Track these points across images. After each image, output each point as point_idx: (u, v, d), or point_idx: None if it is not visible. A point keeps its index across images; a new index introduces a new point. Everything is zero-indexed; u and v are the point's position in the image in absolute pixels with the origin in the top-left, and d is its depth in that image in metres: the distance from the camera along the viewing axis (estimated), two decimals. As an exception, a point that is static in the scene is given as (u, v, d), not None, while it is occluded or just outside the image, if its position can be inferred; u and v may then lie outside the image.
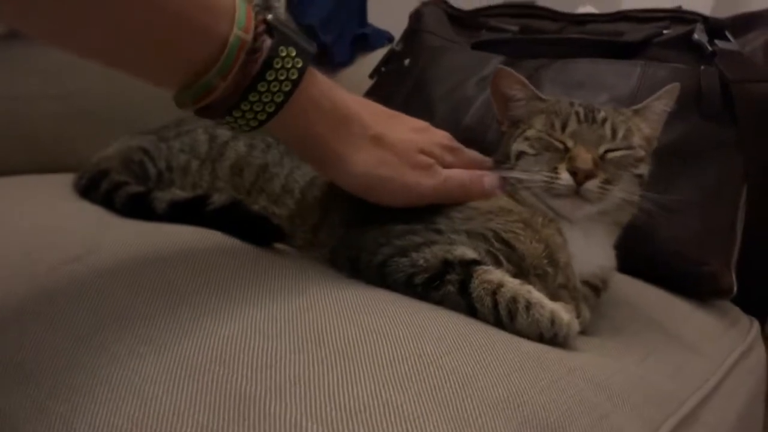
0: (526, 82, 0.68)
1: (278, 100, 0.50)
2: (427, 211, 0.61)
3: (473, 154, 0.68)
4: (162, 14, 0.44)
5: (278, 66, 0.49)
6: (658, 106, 0.67)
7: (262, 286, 0.52)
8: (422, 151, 0.60)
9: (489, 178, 0.64)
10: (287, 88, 0.50)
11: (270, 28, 0.49)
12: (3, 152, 0.93)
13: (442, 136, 0.65)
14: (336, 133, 0.55)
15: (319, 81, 0.54)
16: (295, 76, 0.50)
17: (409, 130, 0.61)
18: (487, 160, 0.68)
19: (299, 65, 0.50)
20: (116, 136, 0.85)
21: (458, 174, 0.62)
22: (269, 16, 0.50)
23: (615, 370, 0.54)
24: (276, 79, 0.49)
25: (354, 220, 0.63)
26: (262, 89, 0.49)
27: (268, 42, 0.49)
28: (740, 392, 0.69)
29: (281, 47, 0.49)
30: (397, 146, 0.58)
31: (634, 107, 0.67)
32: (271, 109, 0.50)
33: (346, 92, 0.58)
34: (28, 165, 0.93)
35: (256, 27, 0.48)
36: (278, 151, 0.75)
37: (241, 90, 0.48)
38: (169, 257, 0.56)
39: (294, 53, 0.49)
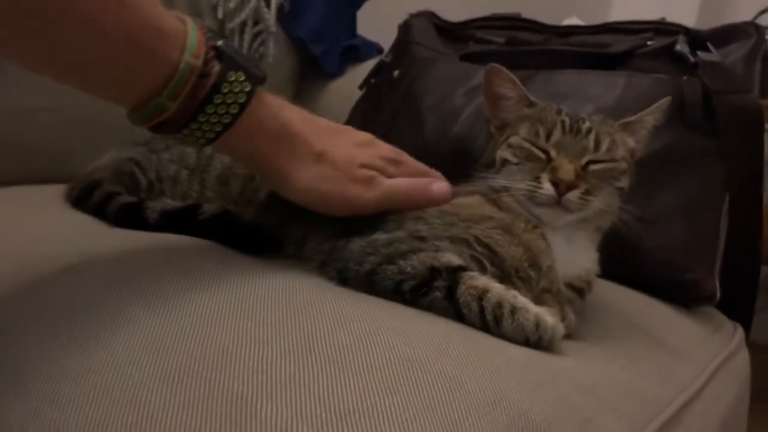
0: (518, 81, 0.69)
1: (225, 121, 0.53)
2: (410, 220, 0.63)
3: (419, 165, 0.70)
4: (116, 41, 0.47)
5: (226, 90, 0.52)
6: (649, 120, 0.68)
7: (254, 294, 0.53)
8: (364, 165, 0.63)
9: (437, 185, 0.67)
10: (234, 111, 0.53)
11: (219, 54, 0.52)
12: (-1, 163, 0.93)
13: (387, 150, 0.67)
14: (280, 152, 0.59)
15: (266, 103, 0.57)
16: (242, 100, 0.53)
17: (352, 145, 0.64)
18: (435, 172, 0.70)
19: (247, 89, 0.53)
20: (108, 148, 0.85)
21: (401, 183, 0.65)
22: (219, 42, 0.52)
23: (600, 374, 0.55)
24: (224, 102, 0.52)
25: (339, 233, 0.64)
26: (210, 111, 0.52)
27: (217, 67, 0.51)
28: (724, 396, 0.70)
29: (230, 72, 0.52)
30: (339, 162, 0.61)
31: (625, 120, 0.69)
32: (219, 129, 0.53)
33: (293, 110, 0.61)
34: (21, 176, 0.93)
35: (206, 53, 0.51)
36: None
37: (191, 111, 0.51)
38: (161, 266, 0.56)
39: (242, 78, 0.53)
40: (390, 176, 0.65)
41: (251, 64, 0.54)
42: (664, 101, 0.68)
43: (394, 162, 0.67)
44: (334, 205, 0.62)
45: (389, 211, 0.65)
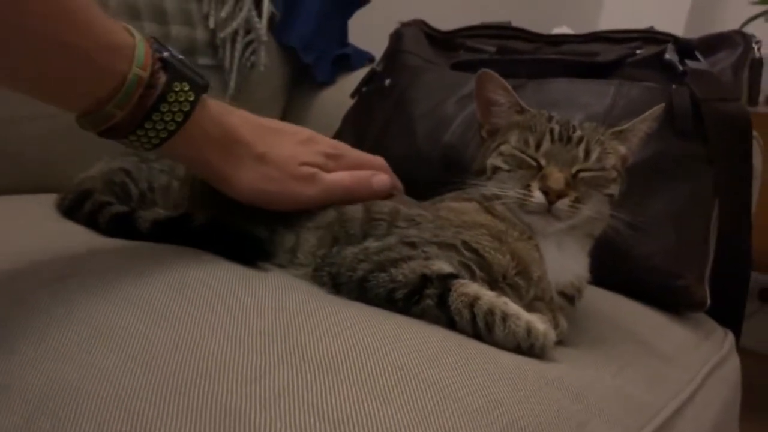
0: (509, 87, 0.69)
1: (171, 128, 0.57)
2: (402, 223, 0.63)
3: (360, 155, 0.73)
4: (66, 54, 0.50)
5: (171, 99, 0.55)
6: (641, 128, 0.69)
7: (246, 303, 0.53)
8: (305, 163, 0.66)
9: (378, 178, 0.70)
10: (179, 119, 0.57)
11: (166, 65, 0.55)
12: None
13: (326, 145, 0.70)
14: (223, 156, 0.62)
15: (209, 110, 0.60)
16: (186, 108, 0.57)
17: (293, 144, 0.67)
18: (378, 159, 0.74)
19: (191, 98, 0.57)
20: (96, 157, 0.85)
21: (342, 178, 0.69)
22: (165, 54, 0.56)
23: (592, 380, 0.55)
24: (169, 110, 0.56)
25: (331, 241, 0.65)
26: (156, 119, 0.55)
27: (163, 78, 0.55)
28: (715, 402, 0.71)
29: (175, 83, 0.55)
30: (279, 162, 0.65)
31: (618, 128, 0.69)
32: (164, 135, 0.57)
33: (236, 115, 0.64)
34: (12, 185, 0.93)
35: (153, 64, 0.54)
36: None
37: (138, 119, 0.55)
38: (154, 275, 0.56)
39: (187, 88, 0.56)
40: (330, 171, 0.68)
41: (196, 74, 0.58)
42: (657, 109, 0.69)
43: (334, 157, 0.70)
44: (278, 203, 0.66)
45: (374, 212, 0.66)
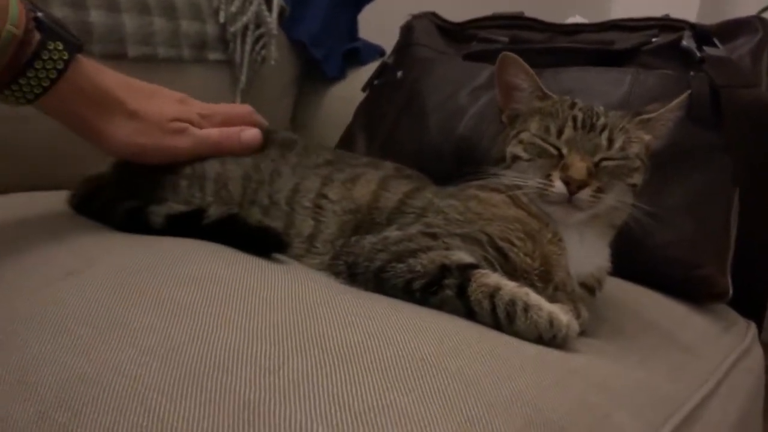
0: (531, 71, 0.67)
1: (45, 84, 0.60)
2: (431, 213, 0.62)
3: (229, 111, 0.77)
4: None
5: (45, 57, 0.59)
6: (669, 117, 0.67)
7: (262, 295, 0.52)
8: (176, 119, 0.70)
9: (247, 133, 0.74)
10: (53, 76, 0.60)
11: (40, 25, 0.59)
12: (-2, 170, 0.93)
13: (198, 107, 0.74)
14: (97, 113, 0.66)
15: (83, 69, 0.63)
16: (60, 66, 0.60)
17: (165, 103, 0.71)
18: (245, 109, 0.78)
19: (65, 57, 0.60)
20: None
21: (212, 132, 0.73)
22: (39, 14, 0.59)
23: (615, 371, 0.54)
24: (43, 68, 0.59)
25: (352, 229, 0.64)
26: (31, 75, 0.59)
27: (37, 36, 0.58)
28: (740, 393, 0.69)
29: (49, 42, 0.59)
30: (152, 117, 0.68)
31: (645, 116, 0.67)
32: (39, 91, 0.60)
33: (110, 75, 0.68)
34: (23, 183, 0.93)
35: (27, 23, 0.57)
36: (251, 158, 0.74)
37: (12, 74, 0.58)
38: (168, 269, 0.56)
39: (61, 47, 0.60)
40: (203, 128, 0.73)
41: (71, 35, 0.61)
42: (683, 97, 0.67)
43: (206, 117, 0.74)
44: (151, 155, 0.70)
45: (408, 205, 0.65)
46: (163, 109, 0.70)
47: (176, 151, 0.71)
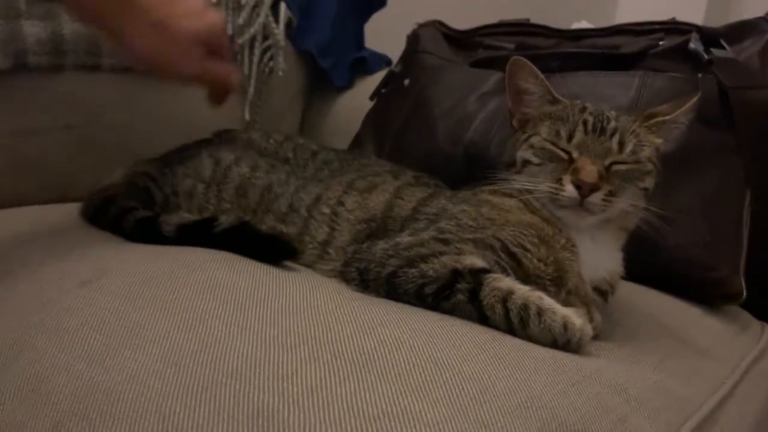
0: (541, 76, 0.67)
1: None
2: (444, 219, 0.62)
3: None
4: None
5: None
6: (683, 120, 0.66)
7: (275, 302, 0.52)
8: None
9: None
10: None
11: None
12: (12, 184, 0.93)
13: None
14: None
15: None
16: None
17: None
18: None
19: None
20: (117, 165, 0.85)
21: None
22: None
23: (631, 374, 0.54)
24: None
25: (365, 237, 0.64)
26: None
27: None
28: (757, 395, 0.69)
29: None
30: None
31: (657, 119, 0.66)
32: None
33: None
34: (37, 196, 0.93)
35: None
36: (284, 171, 0.76)
37: None
38: (181, 278, 0.56)
39: None
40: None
41: None
42: (694, 99, 0.66)
43: None
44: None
45: (422, 212, 0.65)
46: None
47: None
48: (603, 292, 0.65)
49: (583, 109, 0.66)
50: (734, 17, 1.00)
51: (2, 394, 0.45)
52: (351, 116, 1.22)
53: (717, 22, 0.99)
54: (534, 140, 0.65)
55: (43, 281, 0.58)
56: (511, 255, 0.59)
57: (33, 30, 0.91)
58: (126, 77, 1.02)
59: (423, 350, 0.46)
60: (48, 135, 0.96)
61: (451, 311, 0.55)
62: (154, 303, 0.52)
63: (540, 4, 1.50)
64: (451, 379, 0.43)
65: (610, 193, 0.60)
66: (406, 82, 1.08)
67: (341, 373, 0.42)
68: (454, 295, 0.54)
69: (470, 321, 0.54)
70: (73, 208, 0.82)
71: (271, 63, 1.23)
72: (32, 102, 0.94)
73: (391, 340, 0.46)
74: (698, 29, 0.92)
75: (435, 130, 0.98)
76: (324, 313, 0.50)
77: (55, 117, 0.96)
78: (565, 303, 0.56)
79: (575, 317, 0.52)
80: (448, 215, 0.63)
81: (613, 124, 0.63)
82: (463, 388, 0.42)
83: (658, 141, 0.66)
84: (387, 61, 1.39)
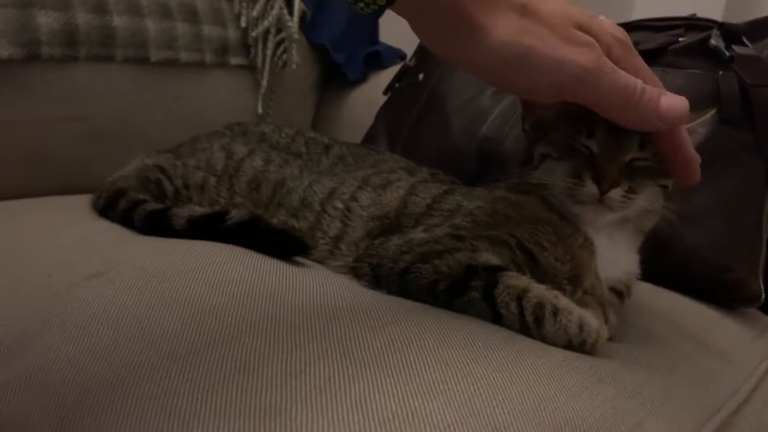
0: None
1: None
2: (458, 215, 0.61)
3: (645, 65, 0.56)
4: None
5: None
6: (700, 129, 0.65)
7: (284, 298, 0.51)
8: (581, 28, 0.51)
9: (668, 100, 0.54)
10: None
11: None
12: (22, 175, 0.93)
13: (611, 25, 0.54)
14: (478, 2, 0.49)
15: None
16: None
17: (564, 4, 0.52)
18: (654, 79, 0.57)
19: None
20: (130, 157, 0.85)
21: (627, 75, 0.52)
22: None
23: (646, 377, 0.53)
24: None
25: (378, 233, 0.63)
26: None
27: None
28: (775, 401, 0.67)
29: None
30: (549, 16, 0.50)
31: None
32: None
33: None
34: (47, 187, 0.94)
35: None
36: (297, 166, 0.75)
37: None
38: (190, 273, 0.55)
39: None
40: (614, 59, 0.52)
41: None
42: (713, 112, 0.64)
43: (622, 43, 0.53)
44: (535, 66, 0.50)
45: (436, 208, 0.63)
46: (565, 9, 0.51)
47: (570, 69, 0.50)
48: (619, 293, 0.64)
49: None
50: (754, 13, 0.98)
51: (9, 387, 0.45)
52: (364, 111, 1.21)
53: (736, 18, 0.97)
54: (554, 135, 0.63)
55: (53, 273, 0.58)
56: (528, 253, 0.58)
57: (46, 20, 0.91)
58: (139, 69, 1.02)
59: (433, 350, 0.45)
60: (60, 126, 0.96)
61: (464, 309, 0.54)
62: (163, 297, 0.51)
63: None
64: (463, 380, 0.42)
65: (630, 190, 0.59)
66: (421, 76, 1.07)
67: (350, 371, 0.41)
68: (468, 293, 0.53)
69: (483, 319, 0.53)
70: (84, 200, 0.82)
71: (284, 56, 1.22)
72: (45, 93, 0.94)
73: (401, 339, 0.45)
74: (719, 25, 0.90)
75: (449, 125, 0.97)
76: (333, 311, 0.49)
77: (68, 108, 0.96)
78: (581, 303, 0.54)
79: (591, 318, 0.51)
80: (463, 212, 0.62)
81: None
82: (474, 390, 0.41)
83: None
84: (401, 56, 1.38)
